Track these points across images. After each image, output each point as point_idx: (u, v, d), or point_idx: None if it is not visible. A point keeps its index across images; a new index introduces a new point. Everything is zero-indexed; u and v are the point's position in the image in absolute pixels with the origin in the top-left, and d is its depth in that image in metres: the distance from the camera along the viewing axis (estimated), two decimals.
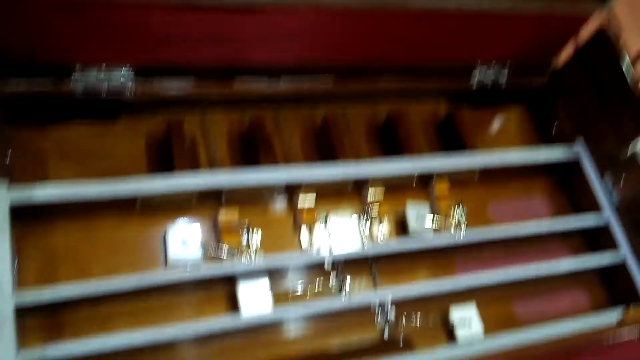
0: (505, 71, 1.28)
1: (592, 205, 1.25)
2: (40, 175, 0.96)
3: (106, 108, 1.01)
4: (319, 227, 1.06)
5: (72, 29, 0.87)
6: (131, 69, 0.97)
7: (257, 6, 0.92)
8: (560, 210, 1.31)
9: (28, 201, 0.87)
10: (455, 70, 1.24)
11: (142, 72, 0.97)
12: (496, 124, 1.37)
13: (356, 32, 1.06)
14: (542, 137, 1.37)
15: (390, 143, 1.19)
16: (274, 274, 1.01)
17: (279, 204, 1.08)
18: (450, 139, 1.24)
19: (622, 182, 1.24)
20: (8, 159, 0.93)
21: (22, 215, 0.88)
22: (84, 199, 0.91)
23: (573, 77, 1.30)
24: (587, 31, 1.27)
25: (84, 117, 1.01)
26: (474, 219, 1.16)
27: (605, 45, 1.23)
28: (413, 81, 1.21)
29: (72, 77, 0.93)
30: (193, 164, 1.04)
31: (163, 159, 1.03)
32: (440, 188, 1.17)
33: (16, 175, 0.92)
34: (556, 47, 1.30)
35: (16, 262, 0.86)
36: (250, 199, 1.05)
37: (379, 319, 1.05)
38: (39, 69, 0.90)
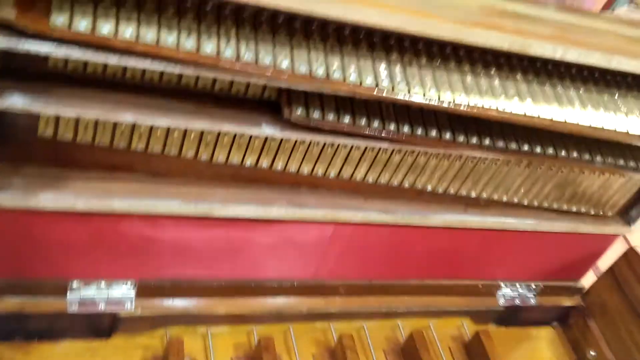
0: (532, 290, 1.22)
1: None
2: None
3: (101, 323, 0.93)
4: None
5: (70, 244, 0.82)
6: (133, 285, 0.91)
7: (274, 218, 0.88)
8: None
9: None
10: (480, 289, 1.18)
11: (145, 289, 0.91)
12: (527, 345, 1.27)
13: (376, 248, 1.02)
14: (579, 357, 1.26)
15: None
16: None
17: None
18: None
19: None
20: None
21: None
22: None
23: (604, 298, 1.23)
24: (614, 250, 1.23)
25: (76, 332, 0.93)
26: None
27: (636, 264, 1.18)
28: (435, 299, 1.15)
29: (67, 294, 0.86)
30: None
31: None
32: None
33: None
34: (583, 267, 1.24)
35: None
36: None
37: None
38: (31, 286, 0.84)
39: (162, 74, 0.72)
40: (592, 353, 1.23)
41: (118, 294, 0.90)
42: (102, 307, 0.88)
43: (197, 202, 0.82)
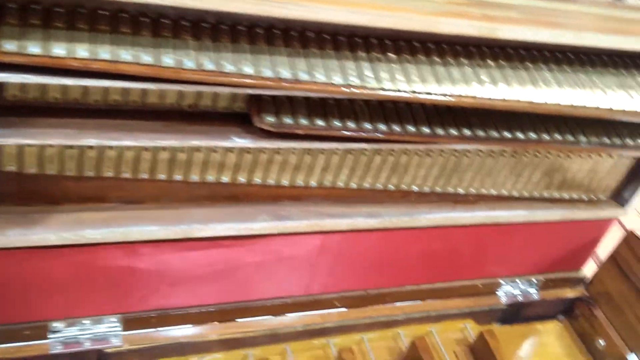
0: (534, 285, 1.19)
1: None
2: None
3: None
4: None
5: (46, 282, 0.79)
6: (119, 319, 0.87)
7: (258, 233, 0.85)
8: None
9: None
10: (480, 289, 1.14)
11: (131, 321, 0.88)
12: (535, 341, 1.23)
13: (367, 255, 0.99)
14: (589, 348, 1.22)
15: None
16: None
17: None
18: None
19: None
20: None
21: None
22: None
23: (608, 285, 1.20)
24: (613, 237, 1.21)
25: None
26: None
27: (638, 248, 1.15)
28: (435, 303, 1.11)
29: (49, 336, 0.83)
30: None
31: None
32: None
33: None
34: (582, 255, 1.22)
35: None
36: None
37: None
38: (9, 334, 0.81)
39: (126, 95, 0.70)
40: (602, 342, 1.20)
41: (103, 330, 0.86)
42: (87, 345, 0.85)
43: (176, 225, 0.79)
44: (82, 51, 0.59)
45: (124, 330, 0.88)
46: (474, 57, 0.79)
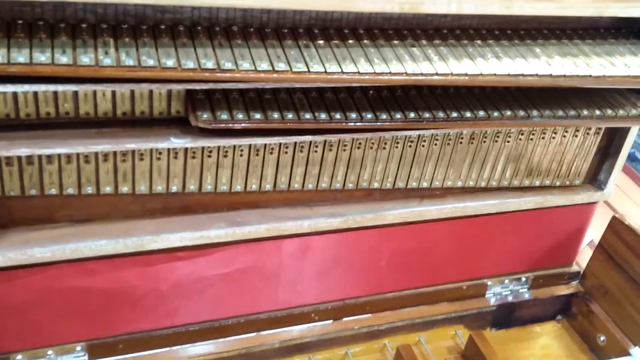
0: (523, 284, 1.15)
1: None
2: None
3: None
4: None
5: (4, 308, 0.78)
6: (84, 347, 0.85)
7: (214, 242, 0.84)
8: None
9: None
10: (465, 291, 1.11)
11: (98, 348, 0.85)
12: (533, 344, 1.18)
13: (336, 259, 0.96)
14: (590, 346, 1.16)
15: None
16: None
17: None
18: None
19: None
20: None
21: None
22: None
23: (602, 277, 1.16)
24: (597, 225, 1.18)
25: None
26: None
27: (624, 232, 1.11)
28: (420, 310, 1.08)
29: None
30: None
31: None
32: None
33: None
34: (571, 247, 1.18)
35: None
36: None
37: None
38: None
39: (57, 106, 0.71)
40: (602, 338, 1.14)
41: None
42: None
43: (126, 237, 0.78)
44: None
45: (91, 358, 0.85)
46: (406, 39, 0.80)
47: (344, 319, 1.02)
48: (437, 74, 0.75)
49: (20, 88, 0.62)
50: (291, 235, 0.89)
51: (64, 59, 0.62)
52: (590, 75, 0.82)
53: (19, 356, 0.82)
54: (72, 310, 0.82)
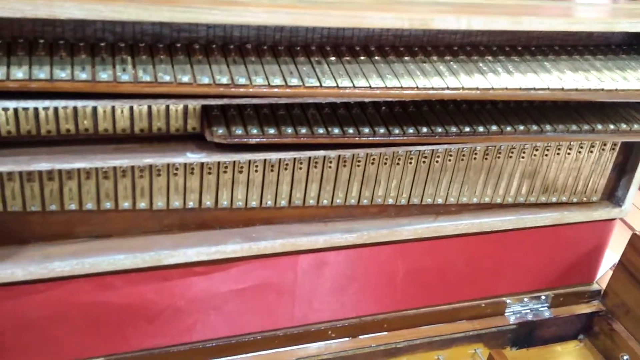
0: (543, 302, 1.14)
1: None
2: None
3: None
4: None
5: (17, 325, 0.79)
6: None
7: (230, 257, 0.85)
8: None
9: None
10: (484, 309, 1.10)
11: None
12: None
13: (353, 275, 0.96)
14: None
15: None
16: None
17: None
18: None
19: None
20: None
21: None
22: None
23: (623, 295, 1.14)
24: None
25: None
26: None
27: None
28: (438, 328, 1.07)
29: None
30: None
31: None
32: None
33: None
34: (591, 264, 1.16)
35: None
36: None
37: None
38: None
39: (77, 123, 0.73)
40: (626, 357, 1.12)
41: None
42: None
43: (144, 252, 0.80)
44: (19, 73, 0.62)
45: None
46: (417, 55, 0.81)
47: (361, 336, 1.02)
48: (448, 88, 0.76)
49: (41, 104, 0.64)
50: (306, 251, 0.89)
51: (83, 76, 0.64)
52: (602, 89, 0.83)
53: None
54: (90, 325, 0.83)
